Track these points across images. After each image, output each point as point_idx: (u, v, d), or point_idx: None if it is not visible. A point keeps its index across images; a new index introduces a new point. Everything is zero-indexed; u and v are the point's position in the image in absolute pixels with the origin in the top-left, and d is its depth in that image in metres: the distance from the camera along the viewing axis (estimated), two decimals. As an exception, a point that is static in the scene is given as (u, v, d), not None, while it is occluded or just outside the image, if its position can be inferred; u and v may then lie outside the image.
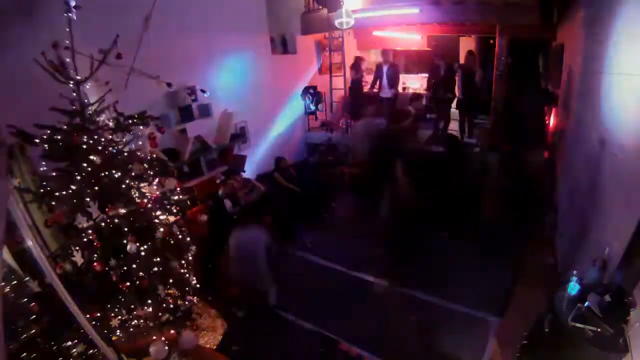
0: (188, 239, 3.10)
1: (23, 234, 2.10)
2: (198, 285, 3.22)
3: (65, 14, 2.36)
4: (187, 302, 3.06)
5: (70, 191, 2.45)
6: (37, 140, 2.40)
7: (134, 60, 3.89)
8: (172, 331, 2.92)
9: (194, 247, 3.14)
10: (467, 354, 3.12)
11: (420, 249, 4.40)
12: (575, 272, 2.13)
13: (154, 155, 2.97)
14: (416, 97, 6.71)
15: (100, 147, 2.52)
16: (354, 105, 6.99)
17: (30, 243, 2.10)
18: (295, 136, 7.57)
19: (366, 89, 7.69)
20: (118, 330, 2.68)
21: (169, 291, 2.89)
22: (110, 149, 2.61)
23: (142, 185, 2.79)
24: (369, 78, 7.85)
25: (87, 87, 2.55)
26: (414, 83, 8.62)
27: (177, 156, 4.93)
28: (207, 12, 5.13)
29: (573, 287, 2.06)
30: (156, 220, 2.84)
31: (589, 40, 3.83)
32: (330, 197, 6.02)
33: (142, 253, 2.65)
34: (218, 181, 4.97)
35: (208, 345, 3.37)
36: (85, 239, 2.50)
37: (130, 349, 2.81)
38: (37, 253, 2.09)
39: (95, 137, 2.51)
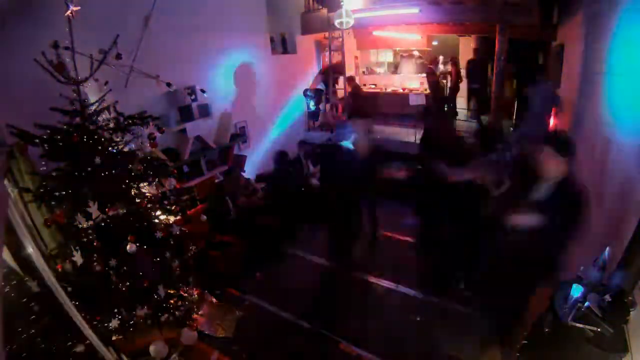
0: (188, 238, 3.10)
1: (20, 235, 2.10)
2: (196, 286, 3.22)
3: (65, 14, 2.36)
4: (187, 302, 3.06)
5: (70, 191, 2.45)
6: (37, 140, 2.40)
7: (133, 60, 3.89)
8: (172, 331, 2.93)
9: (193, 247, 3.14)
10: (467, 354, 3.12)
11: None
12: (577, 272, 2.12)
13: (154, 155, 2.97)
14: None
15: (100, 147, 2.52)
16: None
17: (30, 249, 2.11)
18: (295, 136, 7.58)
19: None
20: (118, 330, 2.68)
21: (170, 291, 2.89)
22: (110, 149, 2.61)
23: (142, 185, 2.80)
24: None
25: (87, 87, 2.55)
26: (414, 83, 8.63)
27: (177, 156, 4.93)
28: (207, 12, 5.14)
29: (576, 289, 2.05)
30: (156, 220, 2.84)
31: (589, 40, 3.83)
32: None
33: (142, 253, 2.65)
34: (217, 181, 4.95)
35: (223, 335, 3.43)
36: (84, 239, 2.50)
37: (130, 349, 2.81)
38: (35, 256, 2.09)
39: (95, 137, 2.51)
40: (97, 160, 2.48)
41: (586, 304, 1.84)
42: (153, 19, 4.16)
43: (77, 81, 2.46)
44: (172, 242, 2.91)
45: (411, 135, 6.73)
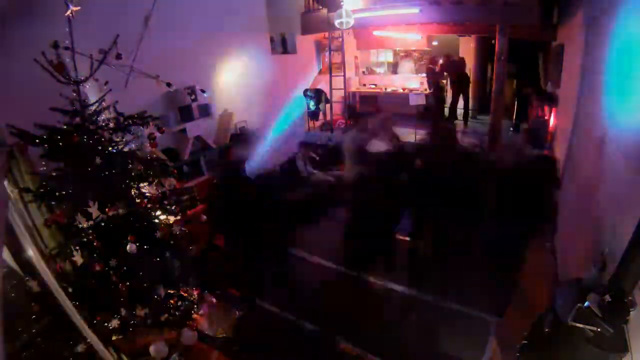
0: (188, 238, 3.10)
1: (20, 235, 2.11)
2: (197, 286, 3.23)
3: (65, 14, 2.36)
4: (187, 302, 3.06)
5: (70, 191, 2.45)
6: (37, 140, 2.40)
7: (133, 60, 3.89)
8: (172, 331, 2.93)
9: (193, 247, 3.14)
10: (467, 354, 3.12)
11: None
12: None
13: (154, 155, 2.97)
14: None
15: (100, 147, 2.52)
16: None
17: (30, 249, 2.11)
18: (295, 136, 7.58)
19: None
20: (118, 330, 2.68)
21: (169, 291, 2.89)
22: (110, 148, 2.61)
23: (142, 185, 2.79)
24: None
25: (87, 87, 2.55)
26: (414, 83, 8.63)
27: (177, 156, 4.93)
28: (207, 12, 5.14)
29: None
30: (156, 220, 2.84)
31: (589, 40, 3.83)
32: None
33: (142, 253, 2.65)
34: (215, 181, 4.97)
35: (222, 335, 3.45)
36: (84, 239, 2.50)
37: (130, 349, 2.81)
38: (35, 256, 2.09)
39: (95, 137, 2.51)
40: (97, 160, 2.48)
41: (586, 304, 1.84)
42: (153, 19, 4.15)
43: (77, 81, 2.46)
44: (172, 242, 2.91)
45: (411, 135, 6.72)
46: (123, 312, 2.64)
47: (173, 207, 2.99)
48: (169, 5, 4.36)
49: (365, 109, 8.94)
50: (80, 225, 2.48)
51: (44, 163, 2.53)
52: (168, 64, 4.45)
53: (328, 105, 7.70)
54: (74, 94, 2.47)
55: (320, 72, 8.17)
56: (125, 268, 2.60)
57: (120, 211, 2.62)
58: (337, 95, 7.71)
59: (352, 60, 8.79)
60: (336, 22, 6.46)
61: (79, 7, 2.38)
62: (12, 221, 2.21)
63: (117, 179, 2.59)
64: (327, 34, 7.27)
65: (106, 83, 2.66)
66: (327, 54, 7.52)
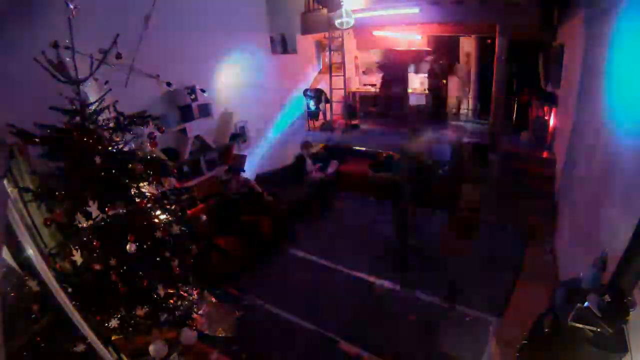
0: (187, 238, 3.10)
1: (19, 235, 2.10)
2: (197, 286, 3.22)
3: (65, 14, 2.36)
4: (187, 302, 3.06)
5: (69, 191, 2.45)
6: (37, 140, 2.39)
7: (133, 60, 3.89)
8: (172, 331, 2.92)
9: (194, 247, 3.13)
10: (467, 354, 3.12)
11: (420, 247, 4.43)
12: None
13: (154, 155, 2.97)
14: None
15: (100, 147, 2.52)
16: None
17: (30, 249, 2.11)
18: (295, 136, 7.58)
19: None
20: (118, 330, 2.68)
21: (169, 291, 2.89)
22: (110, 148, 2.60)
23: (142, 185, 2.79)
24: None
25: (87, 86, 2.55)
26: (414, 83, 8.62)
27: (177, 156, 4.93)
28: (207, 12, 5.14)
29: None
30: (156, 220, 2.83)
31: (589, 40, 3.83)
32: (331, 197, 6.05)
33: (142, 253, 2.64)
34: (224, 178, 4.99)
35: (223, 335, 3.48)
36: (84, 239, 2.50)
37: (130, 349, 2.81)
38: (33, 255, 2.09)
39: (95, 136, 2.51)
40: (97, 159, 2.48)
41: (586, 304, 1.84)
42: (153, 19, 4.15)
43: (77, 81, 2.46)
44: (172, 242, 2.91)
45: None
46: (123, 312, 2.64)
47: (173, 207, 2.98)
48: (169, 5, 4.36)
49: (365, 109, 8.93)
50: (80, 225, 2.48)
51: (43, 163, 2.53)
52: (168, 64, 4.47)
53: (328, 105, 7.69)
54: (74, 94, 2.47)
55: (320, 72, 8.16)
56: (125, 268, 2.59)
57: (120, 211, 2.61)
58: (337, 95, 7.71)
59: (352, 60, 8.78)
60: (336, 22, 6.46)
61: (79, 7, 2.38)
62: (11, 221, 2.20)
63: (117, 178, 2.59)
64: (327, 34, 7.26)
65: (106, 82, 2.67)
66: (327, 54, 7.51)
